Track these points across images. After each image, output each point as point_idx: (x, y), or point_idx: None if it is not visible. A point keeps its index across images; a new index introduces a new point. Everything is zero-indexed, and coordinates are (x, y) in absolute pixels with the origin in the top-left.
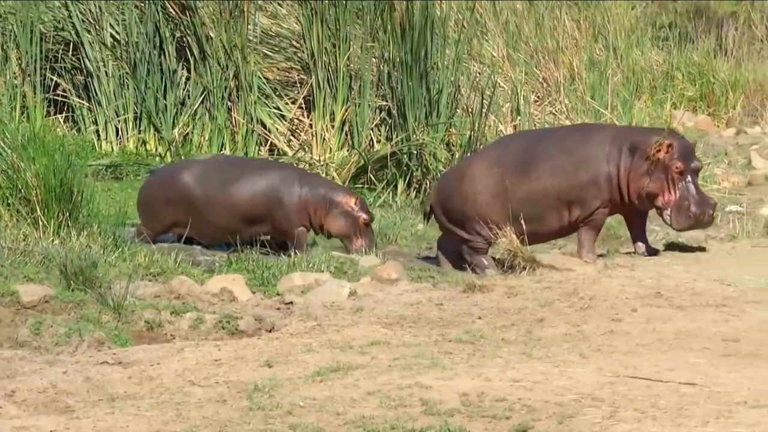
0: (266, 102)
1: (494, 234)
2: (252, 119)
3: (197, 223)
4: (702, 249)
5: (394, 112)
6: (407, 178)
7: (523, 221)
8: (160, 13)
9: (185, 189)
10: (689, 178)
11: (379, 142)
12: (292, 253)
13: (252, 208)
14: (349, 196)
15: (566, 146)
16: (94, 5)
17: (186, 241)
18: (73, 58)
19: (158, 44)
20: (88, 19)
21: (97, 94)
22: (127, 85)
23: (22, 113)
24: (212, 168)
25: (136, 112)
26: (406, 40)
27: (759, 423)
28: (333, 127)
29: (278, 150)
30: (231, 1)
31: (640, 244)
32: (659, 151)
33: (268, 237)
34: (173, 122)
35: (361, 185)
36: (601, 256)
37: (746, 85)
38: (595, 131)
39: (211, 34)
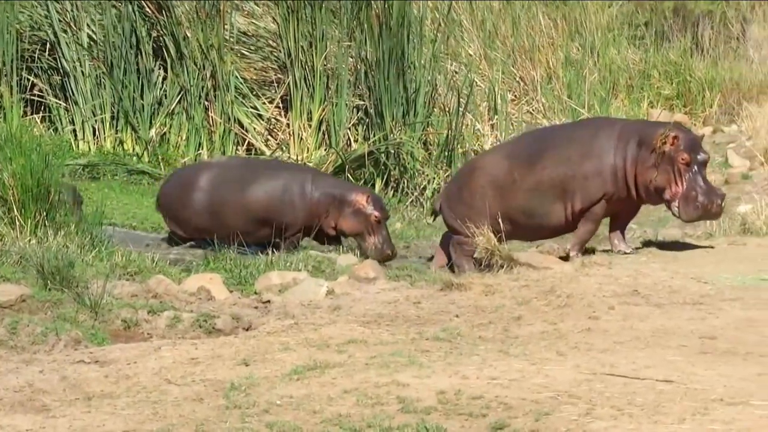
0: (243, 101)
1: (472, 233)
2: (229, 119)
3: (214, 226)
4: (679, 247)
5: (371, 111)
6: (385, 177)
7: (529, 215)
8: (137, 13)
9: (201, 192)
10: (696, 169)
11: (356, 141)
12: (270, 252)
13: (265, 210)
14: (361, 194)
15: (574, 137)
16: (71, 5)
17: (171, 242)
18: (50, 58)
19: (135, 44)
20: (64, 19)
21: (73, 94)
22: (104, 85)
23: None
24: (226, 170)
25: (113, 112)
26: (383, 40)
27: (735, 420)
28: (310, 126)
29: (256, 149)
30: (207, 1)
31: (617, 242)
32: (665, 143)
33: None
34: (150, 122)
35: None
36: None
37: (723, 83)
38: (603, 124)
39: (188, 34)
